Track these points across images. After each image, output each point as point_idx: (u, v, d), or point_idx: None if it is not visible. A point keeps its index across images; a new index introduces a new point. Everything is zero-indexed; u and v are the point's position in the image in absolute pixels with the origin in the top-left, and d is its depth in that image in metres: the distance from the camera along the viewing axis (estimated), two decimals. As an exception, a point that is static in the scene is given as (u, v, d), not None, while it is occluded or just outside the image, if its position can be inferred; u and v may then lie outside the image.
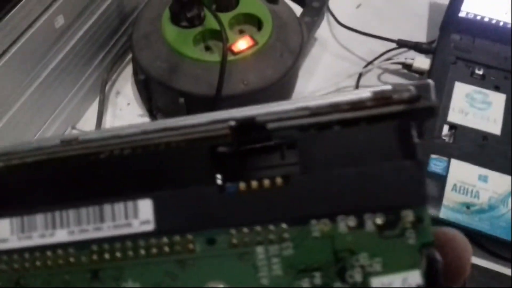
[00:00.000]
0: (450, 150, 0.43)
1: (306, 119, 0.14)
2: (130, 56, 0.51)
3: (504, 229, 0.40)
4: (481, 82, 0.47)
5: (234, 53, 0.44)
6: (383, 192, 0.14)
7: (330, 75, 0.52)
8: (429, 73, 0.48)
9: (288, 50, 0.47)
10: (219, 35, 0.44)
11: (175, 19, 0.46)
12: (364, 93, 0.14)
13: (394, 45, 0.52)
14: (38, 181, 0.15)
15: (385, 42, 0.52)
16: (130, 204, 0.14)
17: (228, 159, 0.15)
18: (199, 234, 0.14)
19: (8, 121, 0.40)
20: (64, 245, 0.14)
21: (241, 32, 0.47)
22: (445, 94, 0.47)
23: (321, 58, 0.53)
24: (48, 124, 0.45)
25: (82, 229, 0.14)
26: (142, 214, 0.14)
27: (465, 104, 0.46)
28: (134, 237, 0.14)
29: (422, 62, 0.49)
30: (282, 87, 0.47)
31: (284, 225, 0.14)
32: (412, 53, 0.51)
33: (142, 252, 0.14)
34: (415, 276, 0.13)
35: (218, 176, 0.14)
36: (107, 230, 0.14)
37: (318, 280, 0.14)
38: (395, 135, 0.14)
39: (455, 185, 0.42)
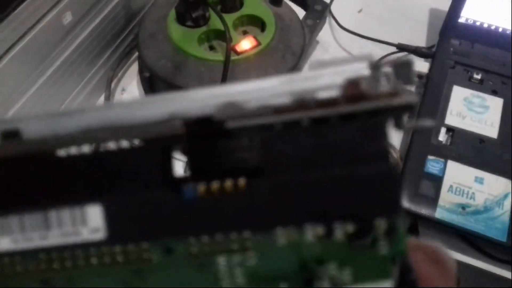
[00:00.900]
0: (447, 152, 0.45)
1: (270, 118, 0.13)
2: (136, 54, 0.52)
3: (499, 230, 0.41)
4: (479, 86, 0.49)
5: (237, 53, 0.46)
6: (354, 198, 0.13)
7: (331, 77, 0.53)
8: (428, 77, 0.50)
9: (290, 52, 0.48)
10: (223, 35, 0.45)
11: (181, 19, 0.47)
12: (335, 77, 0.14)
13: (394, 49, 0.53)
14: None
15: (386, 46, 0.54)
16: (77, 210, 0.14)
17: (183, 161, 0.14)
18: (155, 242, 0.13)
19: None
20: (9, 254, 0.13)
21: (245, 33, 0.48)
22: (443, 98, 0.48)
23: (322, 61, 0.55)
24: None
25: (27, 237, 0.14)
26: (91, 221, 0.13)
27: (463, 108, 0.47)
28: (84, 245, 0.13)
29: (421, 66, 0.51)
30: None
31: (247, 233, 0.13)
32: (411, 58, 0.53)
33: (94, 261, 0.13)
34: (387, 286, 0.13)
35: (173, 179, 0.13)
36: (54, 238, 0.13)
37: None
38: (369, 136, 0.13)
39: (451, 186, 0.43)
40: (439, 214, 0.42)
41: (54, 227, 0.13)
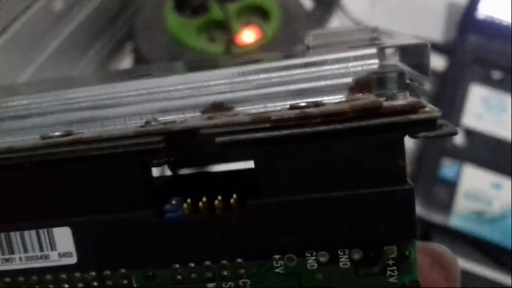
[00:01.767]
0: (463, 155, 0.43)
1: (266, 133, 0.11)
2: (130, 45, 0.50)
3: (517, 240, 0.39)
4: (498, 85, 0.47)
5: (239, 46, 0.44)
6: (363, 223, 0.12)
7: (339, 73, 0.51)
8: (444, 74, 0.48)
9: (296, 44, 0.46)
10: (224, 26, 0.43)
11: (179, 7, 0.45)
12: (340, 67, 0.12)
13: (407, 44, 0.51)
14: None
15: (398, 40, 0.51)
16: (43, 232, 0.13)
17: (166, 178, 0.13)
18: (134, 269, 0.12)
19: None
20: None
21: (248, 24, 0.46)
22: (460, 97, 0.46)
23: (330, 55, 0.53)
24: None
25: None
26: (61, 244, 0.12)
27: (480, 108, 0.45)
28: (54, 270, 0.12)
29: (437, 62, 0.48)
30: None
31: (240, 260, 0.12)
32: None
33: (66, 287, 0.12)
34: None
35: (154, 197, 0.12)
36: (19, 262, 0.13)
37: None
38: (381, 152, 0.12)
39: (466, 191, 0.41)
40: (454, 221, 0.40)
41: (18, 251, 0.13)
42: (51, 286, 0.12)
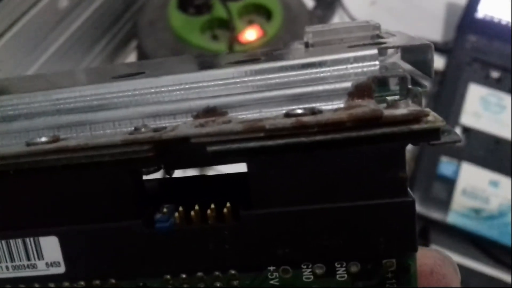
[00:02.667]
0: (461, 153, 0.44)
1: (259, 142, 0.11)
2: (134, 43, 0.51)
3: (514, 237, 0.40)
4: (496, 84, 0.48)
5: (241, 44, 0.45)
6: (361, 235, 0.12)
7: (340, 72, 0.52)
8: (443, 73, 0.49)
9: (298, 43, 0.47)
10: (227, 24, 0.45)
11: (183, 6, 0.46)
12: (339, 69, 0.12)
13: (407, 43, 0.52)
14: None
15: (399, 40, 0.53)
16: (30, 241, 0.12)
17: (156, 186, 0.13)
18: (124, 279, 0.12)
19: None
20: None
21: (250, 23, 0.48)
22: (459, 96, 0.47)
23: (331, 54, 0.54)
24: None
25: None
26: (48, 254, 0.12)
27: (479, 107, 0.47)
28: (42, 280, 0.12)
29: (436, 61, 0.49)
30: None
31: (233, 272, 0.12)
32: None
33: None
34: None
35: (144, 206, 0.12)
36: (6, 271, 0.12)
37: None
38: (380, 165, 0.11)
39: (464, 189, 0.42)
40: (451, 218, 0.41)
41: (4, 259, 0.12)
42: None
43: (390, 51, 0.14)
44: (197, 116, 0.12)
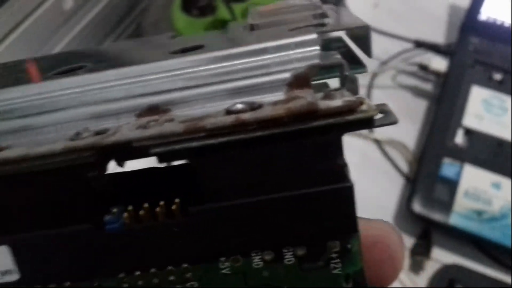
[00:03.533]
0: (464, 155, 0.44)
1: (201, 141, 0.11)
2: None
3: (516, 239, 0.41)
4: (499, 87, 0.48)
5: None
6: (305, 220, 0.12)
7: (342, 74, 0.53)
8: (446, 75, 0.49)
9: (301, 45, 0.48)
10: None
11: (186, 7, 0.47)
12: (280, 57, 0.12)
13: (410, 46, 0.53)
14: None
15: (401, 42, 0.53)
16: None
17: (105, 184, 0.13)
18: (79, 281, 0.12)
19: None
20: None
21: (253, 24, 0.48)
22: (461, 98, 0.47)
23: (334, 56, 0.55)
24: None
25: None
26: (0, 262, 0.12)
27: (481, 109, 0.47)
28: None
29: (439, 63, 0.50)
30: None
31: (185, 265, 0.12)
32: (428, 56, 0.52)
33: None
34: None
35: (92, 207, 0.12)
36: None
37: None
38: (319, 155, 0.12)
39: (467, 191, 0.43)
40: (454, 220, 0.41)
41: None
42: None
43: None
44: (140, 114, 0.12)
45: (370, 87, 0.52)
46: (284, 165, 0.12)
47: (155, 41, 0.18)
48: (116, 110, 0.12)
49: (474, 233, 0.41)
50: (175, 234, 0.12)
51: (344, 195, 0.12)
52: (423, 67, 0.51)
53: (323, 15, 0.14)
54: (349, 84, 0.13)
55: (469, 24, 0.52)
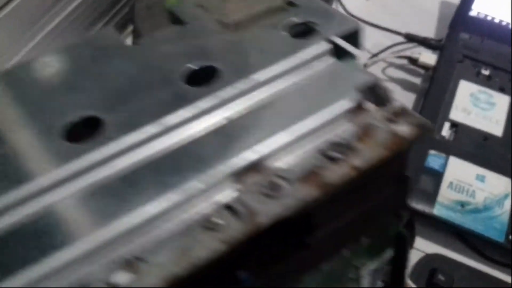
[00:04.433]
0: (450, 148, 0.45)
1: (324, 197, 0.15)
2: (131, 28, 0.52)
3: (497, 230, 0.41)
4: (487, 82, 0.49)
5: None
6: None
7: (333, 65, 0.53)
8: (434, 69, 0.50)
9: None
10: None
11: (180, -8, 0.47)
12: None
13: (401, 38, 0.54)
14: None
15: (392, 35, 0.54)
16: None
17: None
18: None
19: None
20: None
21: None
22: (449, 92, 0.48)
23: (325, 47, 0.55)
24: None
25: None
26: None
27: (468, 103, 0.48)
28: None
29: (428, 57, 0.51)
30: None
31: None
32: (418, 49, 0.53)
33: None
34: None
35: None
36: None
37: None
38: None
39: (451, 182, 0.43)
40: (437, 210, 0.42)
41: None
42: None
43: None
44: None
45: (360, 78, 0.52)
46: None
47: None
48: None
49: (457, 224, 0.42)
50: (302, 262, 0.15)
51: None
52: (413, 61, 0.51)
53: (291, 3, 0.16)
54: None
55: (460, 20, 0.53)
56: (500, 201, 0.43)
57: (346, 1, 0.58)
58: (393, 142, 0.15)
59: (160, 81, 0.18)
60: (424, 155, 0.45)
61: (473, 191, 0.43)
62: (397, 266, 0.18)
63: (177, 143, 0.15)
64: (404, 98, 0.51)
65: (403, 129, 0.14)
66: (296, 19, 0.18)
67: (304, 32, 0.19)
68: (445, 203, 0.43)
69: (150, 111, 0.16)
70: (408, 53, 0.53)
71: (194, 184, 0.14)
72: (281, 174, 0.14)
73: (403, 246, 0.19)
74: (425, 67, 0.51)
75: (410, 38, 0.53)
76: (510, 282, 0.41)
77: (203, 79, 0.17)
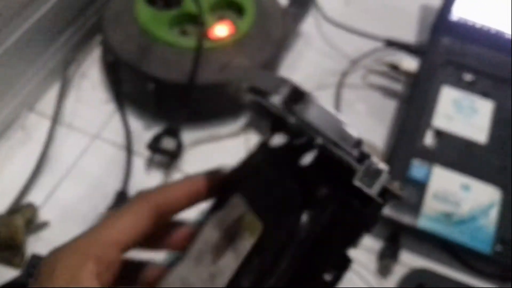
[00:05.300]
0: (433, 156, 0.44)
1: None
2: (100, 37, 0.50)
3: (483, 242, 0.40)
4: (469, 87, 0.48)
5: (211, 40, 0.44)
6: None
7: (313, 72, 0.52)
8: (416, 75, 0.49)
9: (269, 41, 0.47)
10: (197, 20, 0.44)
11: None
12: None
13: (381, 45, 0.52)
14: None
15: (373, 41, 0.53)
16: None
17: None
18: None
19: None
20: None
21: (221, 18, 0.47)
22: (431, 98, 0.47)
23: (305, 54, 0.54)
24: (2, 103, 0.44)
25: None
26: None
27: (451, 109, 0.47)
28: None
29: (409, 63, 0.50)
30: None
31: None
32: (398, 55, 0.52)
33: None
34: None
35: None
36: None
37: None
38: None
39: (436, 193, 0.42)
40: (422, 222, 0.41)
41: None
42: None
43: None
44: None
45: (340, 86, 0.51)
46: None
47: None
48: None
49: (442, 235, 0.41)
50: None
51: None
52: (394, 67, 0.50)
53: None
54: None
55: (441, 24, 0.52)
56: (485, 211, 0.42)
57: (324, 5, 0.56)
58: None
59: None
60: (407, 165, 0.43)
61: (458, 201, 0.42)
62: None
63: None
64: (385, 106, 0.50)
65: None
66: None
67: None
68: (430, 214, 0.41)
69: None
70: (388, 58, 0.51)
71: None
72: None
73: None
74: (406, 73, 0.50)
75: (390, 43, 0.52)
76: (498, 294, 0.40)
77: None
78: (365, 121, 0.49)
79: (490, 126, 0.46)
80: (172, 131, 0.43)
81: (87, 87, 0.48)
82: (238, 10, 0.48)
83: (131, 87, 0.46)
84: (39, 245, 0.39)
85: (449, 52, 0.51)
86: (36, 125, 0.45)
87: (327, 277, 0.20)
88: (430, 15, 0.54)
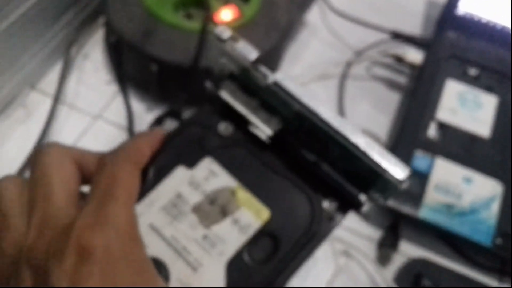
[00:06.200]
0: (436, 148, 0.44)
1: None
2: (103, 19, 0.50)
3: (484, 234, 0.40)
4: (474, 82, 0.48)
5: (216, 24, 0.44)
6: None
7: (317, 62, 0.52)
8: (421, 68, 0.49)
9: (275, 28, 0.47)
10: (202, 3, 0.44)
11: (156, -19, 0.45)
12: None
13: (386, 36, 0.53)
14: None
15: (378, 33, 0.53)
16: None
17: None
18: None
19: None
20: None
21: (227, 3, 0.47)
22: (436, 91, 0.47)
23: (309, 44, 0.54)
24: (4, 80, 0.43)
25: None
26: None
27: (455, 103, 0.47)
28: None
29: (414, 56, 0.50)
30: (264, 65, 0.47)
31: None
32: (403, 48, 0.52)
33: None
34: None
35: None
36: None
37: None
38: None
39: (437, 184, 0.42)
40: (423, 213, 0.41)
41: None
42: None
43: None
44: None
45: (344, 77, 0.51)
46: None
47: None
48: None
49: (443, 227, 0.41)
50: None
51: None
52: (398, 59, 0.50)
53: None
54: None
55: (447, 19, 0.52)
56: (487, 204, 0.42)
57: (330, -3, 0.56)
58: None
59: None
60: (410, 156, 0.43)
61: (460, 193, 0.42)
62: None
63: None
64: (389, 97, 0.50)
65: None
66: None
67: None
68: (431, 205, 0.41)
69: None
70: (393, 51, 0.52)
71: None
72: None
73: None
74: (411, 65, 0.50)
75: (396, 35, 0.52)
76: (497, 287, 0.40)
77: None
78: (369, 112, 0.49)
79: (494, 121, 0.46)
80: (174, 113, 0.43)
81: (90, 68, 0.48)
82: (244, -4, 0.47)
83: (134, 68, 0.46)
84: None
85: (454, 46, 0.51)
86: (38, 104, 0.45)
87: (325, 204, 0.21)
88: (436, 9, 0.54)
